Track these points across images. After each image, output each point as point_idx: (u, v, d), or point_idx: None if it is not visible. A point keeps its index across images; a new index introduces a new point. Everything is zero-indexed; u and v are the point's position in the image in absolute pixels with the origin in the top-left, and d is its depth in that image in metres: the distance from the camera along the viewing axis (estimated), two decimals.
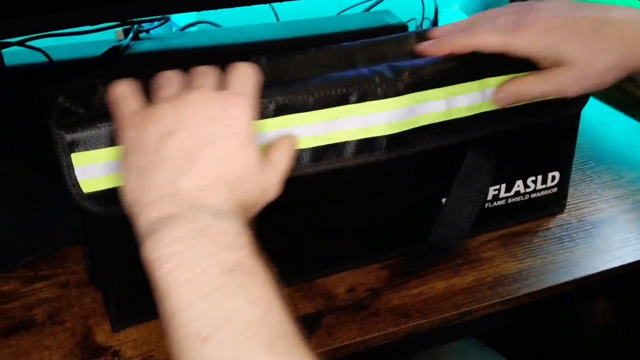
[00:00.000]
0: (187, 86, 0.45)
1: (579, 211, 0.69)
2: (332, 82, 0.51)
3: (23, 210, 0.67)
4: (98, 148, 0.45)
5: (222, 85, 0.45)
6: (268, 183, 0.45)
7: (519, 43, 0.54)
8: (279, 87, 0.49)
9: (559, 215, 0.69)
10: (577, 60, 0.53)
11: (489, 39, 0.55)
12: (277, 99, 0.49)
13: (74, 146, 0.45)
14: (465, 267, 0.62)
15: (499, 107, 0.56)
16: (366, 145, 0.52)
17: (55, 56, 0.78)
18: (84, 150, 0.45)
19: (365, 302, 0.58)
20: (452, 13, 1.03)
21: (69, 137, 0.44)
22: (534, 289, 0.60)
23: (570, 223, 0.68)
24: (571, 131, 0.65)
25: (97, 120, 0.45)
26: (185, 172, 0.41)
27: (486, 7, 1.16)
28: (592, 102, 0.57)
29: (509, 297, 0.59)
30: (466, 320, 0.58)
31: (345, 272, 0.61)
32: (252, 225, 0.43)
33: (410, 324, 0.56)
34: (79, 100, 0.47)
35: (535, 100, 0.57)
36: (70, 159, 0.45)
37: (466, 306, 0.58)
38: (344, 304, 0.57)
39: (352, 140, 0.52)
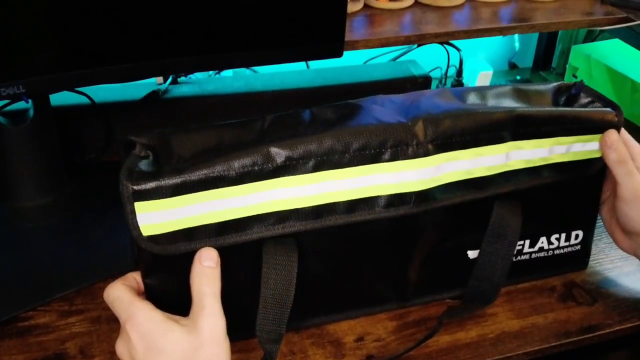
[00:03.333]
0: None
1: (585, 272, 0.72)
2: (366, 138, 0.54)
3: (63, 244, 0.73)
4: (159, 198, 0.50)
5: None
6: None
7: None
8: (315, 146, 0.53)
9: (566, 275, 0.72)
10: None
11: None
12: (317, 157, 0.53)
13: (137, 196, 0.49)
14: (470, 322, 0.66)
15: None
16: (396, 199, 0.57)
17: (98, 97, 0.84)
18: (146, 200, 0.50)
19: (372, 352, 0.62)
20: (477, 62, 1.07)
21: (133, 188, 0.49)
22: (533, 348, 0.63)
23: (575, 283, 0.71)
24: (595, 190, 0.69)
25: (161, 174, 0.50)
26: None
27: (510, 58, 1.19)
28: None
29: (508, 355, 0.62)
30: None
31: (371, 315, 0.66)
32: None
33: None
34: (152, 149, 0.52)
35: (558, 162, 0.62)
36: (134, 206, 0.50)
37: None
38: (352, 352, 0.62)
39: (383, 195, 0.56)
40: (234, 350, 0.61)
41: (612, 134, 0.63)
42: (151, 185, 0.50)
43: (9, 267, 0.69)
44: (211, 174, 0.51)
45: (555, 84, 0.67)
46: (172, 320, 0.51)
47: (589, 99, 0.66)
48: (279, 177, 0.53)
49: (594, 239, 0.77)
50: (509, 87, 0.65)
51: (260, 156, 0.52)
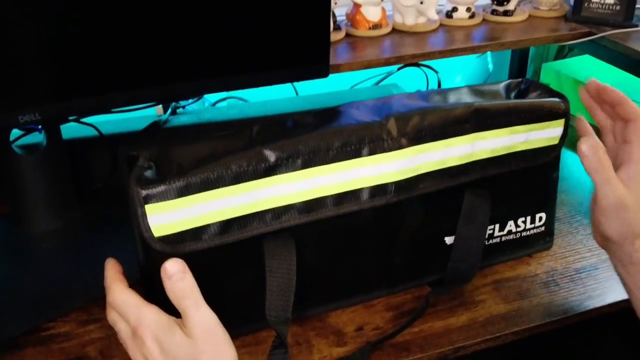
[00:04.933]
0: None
1: (565, 259, 0.78)
2: (346, 136, 0.61)
3: (76, 262, 0.78)
4: (167, 200, 0.56)
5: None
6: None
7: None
8: (302, 146, 0.60)
9: (547, 263, 0.77)
10: None
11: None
12: (304, 156, 0.60)
13: (147, 199, 0.55)
14: (460, 308, 0.71)
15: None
16: (378, 190, 0.63)
17: (104, 129, 0.91)
18: (155, 202, 0.55)
19: (372, 339, 0.66)
20: (455, 84, 1.14)
21: (144, 192, 0.55)
22: (520, 327, 0.68)
23: (556, 270, 0.76)
24: (552, 178, 0.76)
25: (167, 178, 0.56)
26: None
27: (485, 79, 1.27)
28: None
29: (498, 334, 0.67)
30: (461, 354, 0.67)
31: (361, 304, 0.71)
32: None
33: (411, 357, 0.65)
34: (154, 161, 0.58)
35: (519, 150, 0.69)
36: (144, 209, 0.55)
37: (460, 342, 0.66)
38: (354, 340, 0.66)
39: (366, 187, 0.63)
40: (243, 345, 0.66)
41: (584, 141, 0.60)
42: (159, 188, 0.55)
43: (28, 285, 0.73)
44: (211, 176, 0.57)
45: (506, 82, 0.76)
46: (175, 324, 0.53)
47: (538, 92, 0.73)
48: (272, 175, 0.59)
49: (573, 231, 0.83)
50: (465, 88, 0.73)
51: (254, 157, 0.58)
